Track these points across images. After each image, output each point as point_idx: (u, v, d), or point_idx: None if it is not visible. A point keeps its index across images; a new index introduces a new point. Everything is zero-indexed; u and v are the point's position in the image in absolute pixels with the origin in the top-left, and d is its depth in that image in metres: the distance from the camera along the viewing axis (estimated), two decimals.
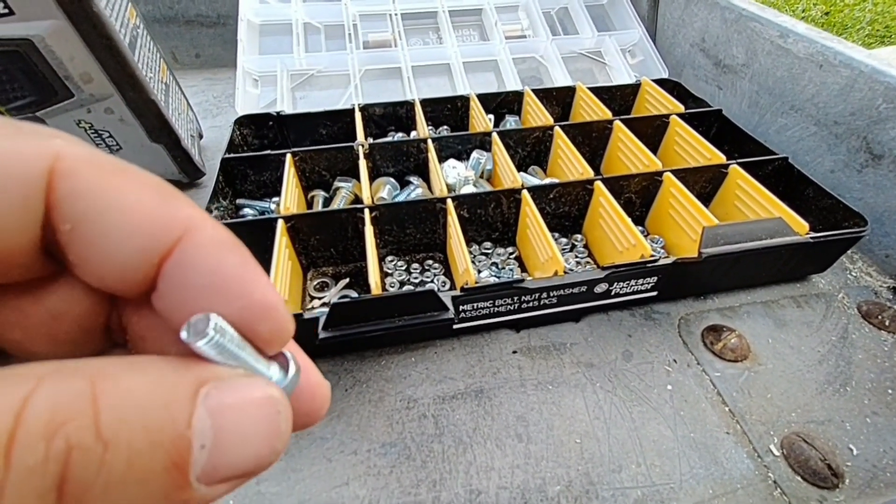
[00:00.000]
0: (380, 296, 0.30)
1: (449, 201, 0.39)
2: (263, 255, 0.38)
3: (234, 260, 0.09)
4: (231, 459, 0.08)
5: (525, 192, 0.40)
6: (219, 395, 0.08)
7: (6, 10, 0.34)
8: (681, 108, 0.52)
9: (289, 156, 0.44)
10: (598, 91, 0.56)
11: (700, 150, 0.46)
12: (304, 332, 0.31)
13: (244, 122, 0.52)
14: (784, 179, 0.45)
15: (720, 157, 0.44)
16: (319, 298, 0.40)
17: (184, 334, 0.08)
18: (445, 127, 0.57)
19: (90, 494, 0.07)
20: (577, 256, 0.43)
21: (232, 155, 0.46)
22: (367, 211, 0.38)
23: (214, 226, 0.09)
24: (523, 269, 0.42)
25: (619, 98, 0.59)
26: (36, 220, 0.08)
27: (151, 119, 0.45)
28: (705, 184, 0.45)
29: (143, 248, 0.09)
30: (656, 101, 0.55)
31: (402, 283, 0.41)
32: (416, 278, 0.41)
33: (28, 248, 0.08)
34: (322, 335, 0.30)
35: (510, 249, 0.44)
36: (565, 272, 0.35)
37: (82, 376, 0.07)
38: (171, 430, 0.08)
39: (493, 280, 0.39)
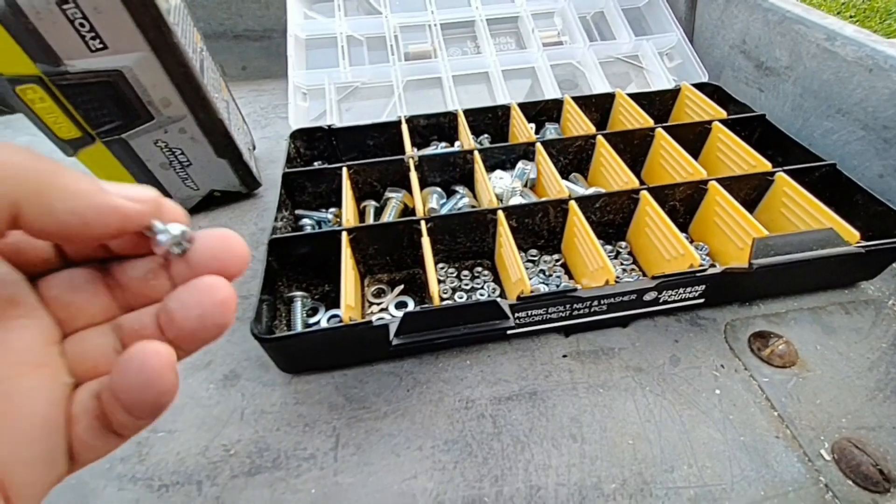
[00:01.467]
0: (446, 306, 0.32)
1: (500, 212, 0.41)
2: (326, 263, 0.41)
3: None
4: None
5: (572, 203, 0.42)
6: None
7: (101, 45, 0.38)
8: (723, 114, 0.53)
9: (344, 169, 0.47)
10: (637, 97, 0.57)
11: (744, 157, 0.47)
12: (378, 337, 0.33)
13: (297, 135, 0.55)
14: (831, 185, 0.45)
15: (766, 165, 0.45)
16: (378, 304, 0.43)
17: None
18: (486, 135, 0.59)
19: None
20: (622, 263, 0.44)
21: (292, 169, 0.49)
22: (423, 223, 0.40)
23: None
24: (569, 275, 0.44)
25: (659, 103, 0.59)
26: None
27: (218, 136, 0.48)
28: (750, 191, 0.46)
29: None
30: (696, 107, 0.56)
31: (454, 290, 0.43)
32: (466, 285, 0.44)
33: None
34: (395, 341, 0.32)
35: (556, 256, 0.46)
36: (616, 281, 0.36)
37: None
38: None
39: (543, 289, 0.41)
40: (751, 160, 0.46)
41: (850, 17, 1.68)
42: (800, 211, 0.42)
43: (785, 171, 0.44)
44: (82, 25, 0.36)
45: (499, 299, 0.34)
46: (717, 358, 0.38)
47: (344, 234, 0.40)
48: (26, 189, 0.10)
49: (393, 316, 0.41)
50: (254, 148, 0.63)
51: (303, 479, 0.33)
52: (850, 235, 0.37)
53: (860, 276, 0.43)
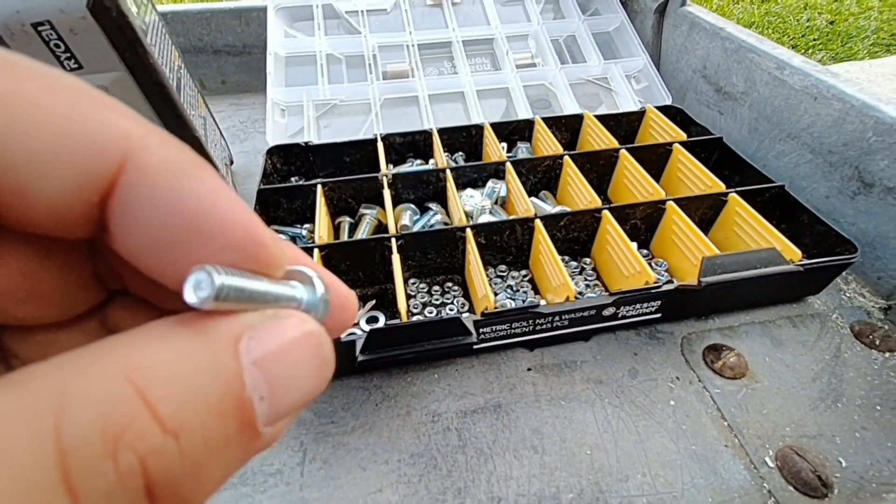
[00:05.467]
0: (411, 322, 0.34)
1: (468, 230, 0.43)
2: None
3: (198, 188, 0.08)
4: (288, 400, 0.08)
5: (538, 221, 0.44)
6: (259, 346, 0.08)
7: (76, 65, 0.38)
8: (683, 136, 0.55)
9: (319, 186, 0.48)
10: (604, 119, 0.60)
11: (701, 178, 0.50)
12: (345, 354, 0.34)
13: (274, 151, 0.56)
14: (781, 206, 0.48)
15: (720, 186, 0.47)
16: None
17: (188, 298, 0.07)
18: (461, 153, 0.61)
19: (182, 485, 0.07)
20: (586, 279, 0.46)
21: (267, 186, 0.50)
22: (394, 240, 0.42)
23: (163, 143, 0.08)
24: (536, 290, 0.46)
25: (625, 124, 0.62)
26: None
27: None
28: (706, 210, 0.48)
29: (67, 183, 0.07)
30: (660, 129, 0.59)
31: (424, 305, 0.45)
32: (437, 300, 0.45)
33: None
34: (360, 357, 0.33)
35: (524, 272, 0.47)
36: (576, 297, 0.38)
37: (112, 371, 0.06)
38: (232, 397, 0.07)
39: (510, 304, 0.43)
40: (707, 181, 0.49)
41: (814, 40, 1.78)
42: (750, 230, 0.44)
43: (737, 191, 0.47)
44: (57, 46, 0.37)
45: (463, 315, 0.35)
46: (673, 370, 0.40)
47: (316, 250, 0.41)
48: None
49: (364, 331, 0.42)
50: (231, 163, 0.63)
51: (269, 494, 0.33)
52: (793, 254, 0.40)
53: (807, 292, 0.46)
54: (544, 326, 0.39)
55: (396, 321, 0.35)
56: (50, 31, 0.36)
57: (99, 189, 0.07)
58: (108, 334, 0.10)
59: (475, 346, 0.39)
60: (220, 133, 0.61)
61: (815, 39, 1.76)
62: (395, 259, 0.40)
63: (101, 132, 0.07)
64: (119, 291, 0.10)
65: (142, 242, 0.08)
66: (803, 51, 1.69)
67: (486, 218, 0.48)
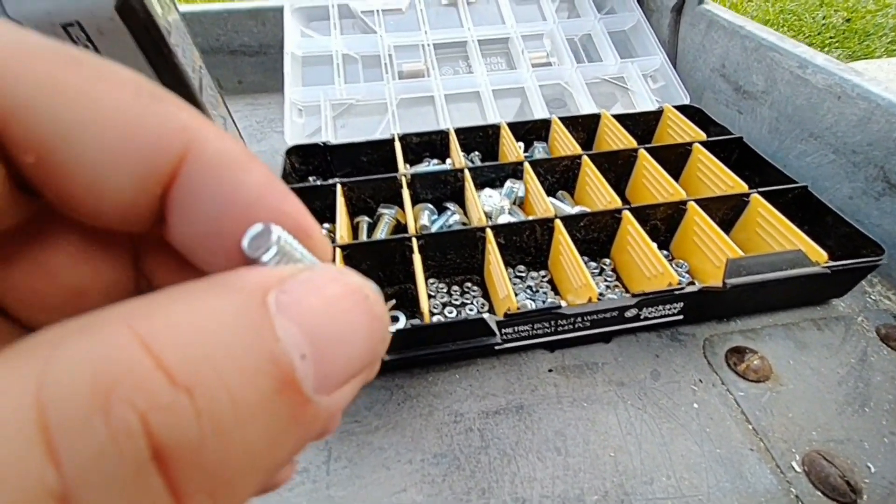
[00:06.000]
0: (436, 323, 0.34)
1: (489, 230, 0.43)
2: None
3: (252, 180, 0.08)
4: (338, 361, 0.07)
5: (558, 221, 0.44)
6: (291, 298, 0.07)
7: None
8: (703, 136, 0.55)
9: (339, 186, 0.48)
10: (621, 118, 0.59)
11: (722, 178, 0.49)
12: None
13: (293, 151, 0.56)
14: (804, 206, 0.47)
15: (742, 186, 0.47)
16: None
17: (246, 246, 0.07)
18: (477, 153, 0.61)
19: (206, 454, 0.06)
20: (606, 280, 0.46)
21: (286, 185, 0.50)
22: (415, 240, 0.42)
23: (219, 136, 0.08)
24: (556, 291, 0.46)
25: (643, 124, 0.62)
26: None
27: None
28: (728, 211, 0.48)
29: (136, 175, 0.07)
30: (678, 128, 0.58)
31: (444, 305, 0.45)
32: (456, 300, 0.45)
33: None
34: (385, 358, 0.33)
35: (543, 273, 0.47)
36: (598, 298, 0.38)
37: (112, 324, 0.06)
38: (263, 351, 0.06)
39: (530, 305, 0.43)
40: (728, 181, 0.48)
41: (830, 38, 1.75)
42: (773, 231, 0.44)
43: (760, 192, 0.46)
44: (87, 46, 0.38)
45: (486, 316, 0.35)
46: (696, 372, 0.40)
47: (337, 250, 0.41)
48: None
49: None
50: None
51: (296, 492, 0.33)
52: (819, 256, 0.39)
53: (831, 294, 0.45)
54: (566, 327, 0.39)
55: (418, 321, 0.36)
56: (79, 32, 0.37)
57: (163, 180, 0.07)
58: None
59: (497, 347, 0.39)
60: (239, 133, 0.61)
61: (831, 37, 1.74)
62: (417, 259, 0.40)
63: (165, 125, 0.07)
64: None
65: (198, 232, 0.08)
66: (819, 49, 1.67)
67: (505, 218, 0.48)
